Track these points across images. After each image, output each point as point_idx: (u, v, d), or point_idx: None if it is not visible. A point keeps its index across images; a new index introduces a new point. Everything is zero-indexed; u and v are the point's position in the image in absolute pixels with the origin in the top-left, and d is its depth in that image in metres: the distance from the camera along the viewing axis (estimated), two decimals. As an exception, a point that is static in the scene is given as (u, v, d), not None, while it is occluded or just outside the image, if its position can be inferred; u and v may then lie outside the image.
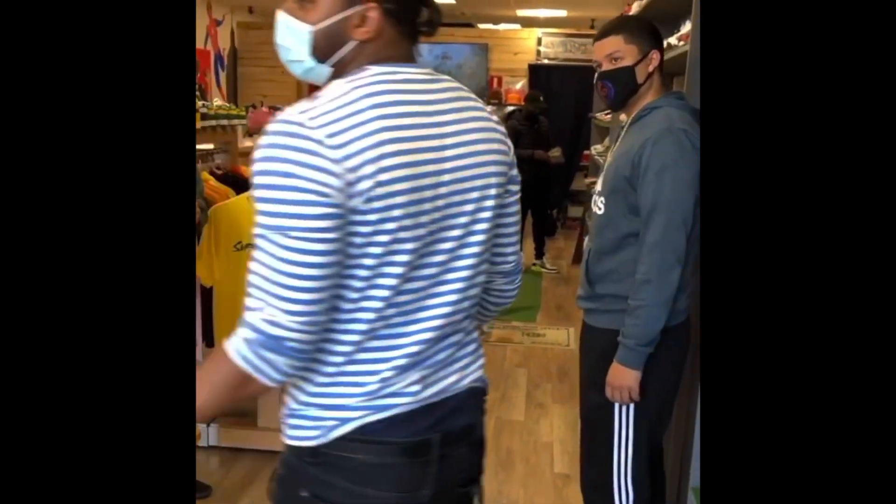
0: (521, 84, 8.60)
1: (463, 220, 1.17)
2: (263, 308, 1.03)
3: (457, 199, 1.15)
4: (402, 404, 1.14)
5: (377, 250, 1.07)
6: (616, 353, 1.84)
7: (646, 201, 1.83)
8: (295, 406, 1.15)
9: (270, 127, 1.05)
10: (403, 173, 1.06)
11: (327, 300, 1.06)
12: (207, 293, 3.16)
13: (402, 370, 1.13)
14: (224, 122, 3.56)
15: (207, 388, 1.08)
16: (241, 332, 1.05)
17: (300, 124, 1.03)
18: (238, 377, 1.05)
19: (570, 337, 4.91)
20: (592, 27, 8.26)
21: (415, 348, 1.14)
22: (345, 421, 1.12)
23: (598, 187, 2.03)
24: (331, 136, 1.02)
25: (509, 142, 1.28)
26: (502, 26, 8.97)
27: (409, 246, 1.09)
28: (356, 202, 1.03)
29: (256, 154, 1.04)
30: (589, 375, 1.98)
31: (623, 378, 1.83)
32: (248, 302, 1.05)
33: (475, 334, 1.28)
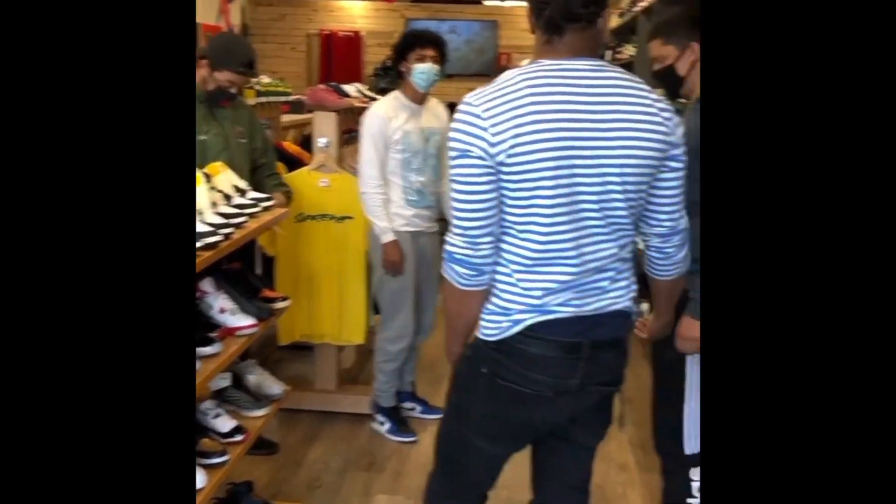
0: (528, 61, 8.69)
1: (605, 184, 1.47)
2: (450, 235, 1.52)
3: (598, 165, 1.46)
4: (560, 312, 1.52)
5: (524, 194, 1.45)
6: (686, 309, 2.01)
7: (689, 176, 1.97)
8: (486, 310, 1.56)
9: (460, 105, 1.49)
10: (541, 136, 1.41)
11: (486, 227, 1.48)
12: (269, 262, 3.31)
13: (558, 291, 1.50)
14: (273, 98, 3.69)
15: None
16: None
17: (469, 103, 1.47)
18: (447, 286, 1.57)
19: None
20: (599, 4, 8.38)
21: (566, 277, 1.50)
22: (517, 322, 1.52)
23: None
24: (486, 109, 1.44)
25: (673, 124, 1.55)
26: (509, 3, 9.05)
27: (549, 193, 1.44)
28: (501, 157, 1.42)
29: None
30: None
31: (695, 331, 1.99)
32: None
33: (627, 273, 1.59)
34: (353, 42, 8.59)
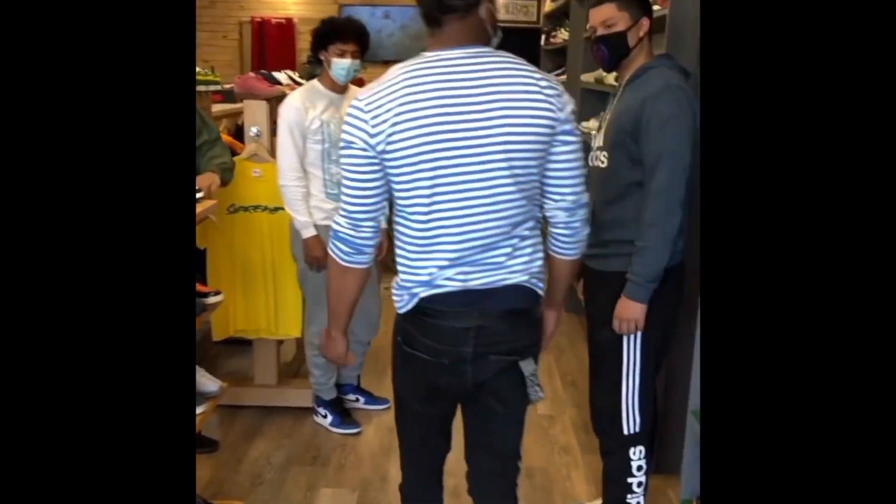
0: (514, 57, 8.65)
1: (488, 165, 1.56)
2: (337, 215, 1.66)
3: (478, 146, 1.54)
4: (448, 286, 1.63)
5: (406, 178, 1.57)
6: (624, 290, 2.04)
7: (650, 152, 2.02)
8: (394, 287, 1.70)
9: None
10: (416, 124, 1.52)
11: (368, 211, 1.62)
12: (200, 256, 3.22)
13: (446, 267, 1.62)
14: (203, 88, 3.58)
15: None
16: None
17: (356, 99, 1.59)
18: (330, 263, 1.71)
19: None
20: (533, -11, 8.39)
21: (452, 255, 1.61)
22: (414, 296, 1.66)
23: (600, 143, 2.20)
24: (368, 104, 1.56)
25: (560, 102, 1.60)
26: (443, -12, 8.98)
27: (428, 176, 1.55)
28: (381, 146, 1.55)
29: None
30: (600, 315, 2.17)
31: (631, 311, 2.04)
32: None
33: (528, 250, 1.67)
34: (285, 29, 8.43)
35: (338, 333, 1.81)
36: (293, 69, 7.73)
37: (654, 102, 2.01)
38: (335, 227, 1.66)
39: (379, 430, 3.22)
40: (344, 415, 3.26)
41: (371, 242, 1.66)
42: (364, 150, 1.57)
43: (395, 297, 1.71)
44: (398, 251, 1.68)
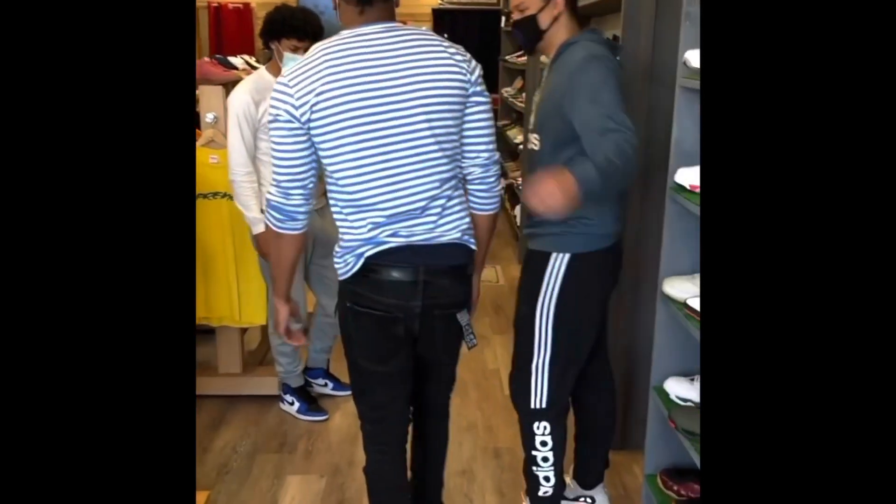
0: (424, 29, 8.63)
1: (412, 129, 1.68)
2: (270, 185, 1.76)
3: (402, 112, 1.67)
4: (392, 242, 1.74)
5: (331, 145, 1.67)
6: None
7: (587, 124, 1.88)
8: (336, 254, 1.80)
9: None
10: (338, 93, 1.63)
11: (296, 180, 1.73)
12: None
13: (383, 225, 1.73)
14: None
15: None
16: None
17: (281, 76, 1.71)
18: (267, 230, 1.88)
19: (498, 274, 5.14)
20: (492, -29, 8.37)
21: (387, 213, 1.72)
22: (360, 256, 1.76)
23: (531, 125, 2.18)
24: (291, 79, 1.68)
25: (470, 66, 1.76)
26: (402, -29, 8.91)
27: (353, 142, 1.66)
28: (306, 116, 1.66)
29: None
30: (523, 289, 2.19)
31: (552, 190, 1.72)
32: None
33: (458, 206, 1.81)
34: (243, 14, 8.28)
35: (279, 300, 1.94)
36: (251, 55, 7.62)
37: (581, 74, 1.93)
38: (268, 196, 1.77)
39: (346, 416, 3.20)
40: (311, 402, 3.24)
41: (302, 209, 1.77)
42: (289, 121, 1.67)
43: (337, 264, 1.80)
44: (335, 216, 1.79)
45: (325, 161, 1.72)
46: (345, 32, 1.72)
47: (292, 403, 3.22)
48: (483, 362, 3.76)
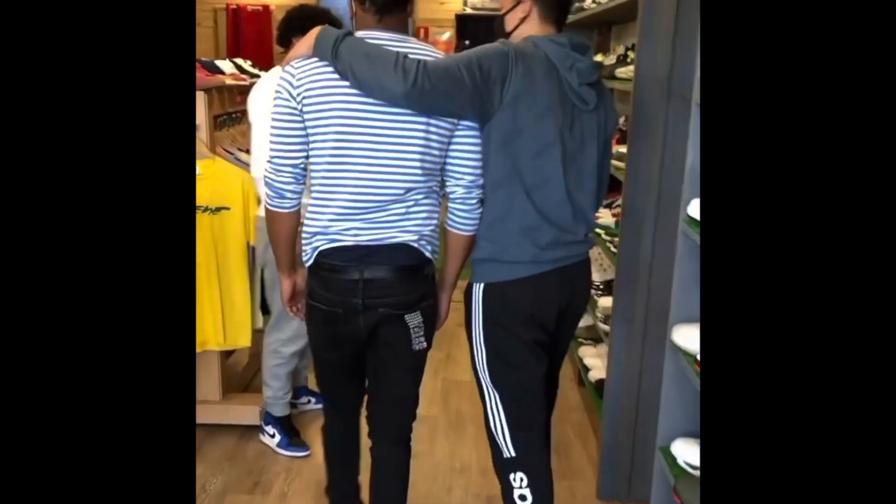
0: (447, 35, 8.41)
1: (403, 140, 1.75)
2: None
3: (395, 115, 1.73)
4: (342, 240, 1.81)
5: (317, 131, 1.76)
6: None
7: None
8: (303, 242, 1.89)
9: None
10: (329, 84, 1.73)
11: (287, 158, 1.81)
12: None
13: (340, 218, 1.80)
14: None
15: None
16: None
17: (290, 65, 1.80)
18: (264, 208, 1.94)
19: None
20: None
21: (346, 204, 1.79)
22: (315, 248, 1.85)
23: None
24: (298, 65, 1.78)
25: None
26: (426, -25, 8.71)
27: (333, 132, 1.74)
28: (300, 97, 1.75)
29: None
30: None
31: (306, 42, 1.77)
32: None
33: (423, 214, 1.84)
34: (262, 17, 8.12)
35: (283, 274, 2.05)
36: (270, 57, 7.44)
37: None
38: (264, 172, 1.87)
39: (330, 451, 2.95)
40: (292, 435, 3.00)
41: (291, 188, 1.85)
42: (287, 100, 1.77)
43: (304, 253, 1.91)
44: (308, 203, 1.88)
45: (311, 146, 1.80)
46: (359, 33, 1.78)
47: (273, 436, 2.99)
48: (485, 394, 3.50)
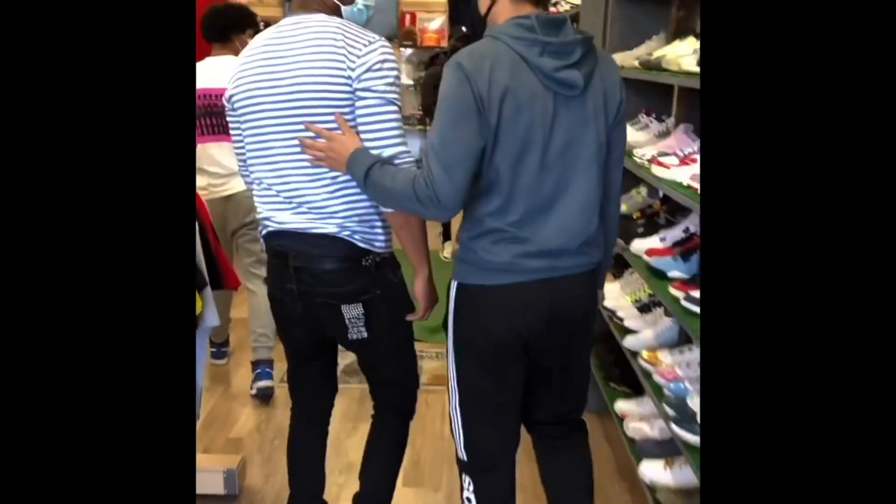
0: (439, 22, 7.77)
1: (284, 119, 1.78)
2: None
3: (278, 106, 1.78)
4: (273, 226, 1.88)
5: (238, 130, 1.91)
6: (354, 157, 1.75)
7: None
8: None
9: None
10: (243, 83, 1.83)
11: (237, 152, 2.00)
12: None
13: (269, 206, 1.88)
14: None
15: None
16: None
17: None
18: None
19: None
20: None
21: (273, 200, 1.87)
22: (260, 234, 1.95)
23: None
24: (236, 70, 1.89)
25: (360, 59, 1.72)
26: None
27: (247, 128, 1.86)
28: (228, 94, 1.88)
29: None
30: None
31: (334, 149, 1.75)
32: None
33: (340, 205, 1.81)
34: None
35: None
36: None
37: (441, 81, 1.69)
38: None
39: None
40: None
41: (245, 178, 1.98)
42: (226, 101, 1.89)
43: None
44: None
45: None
46: (282, 21, 1.85)
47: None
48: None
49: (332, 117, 1.73)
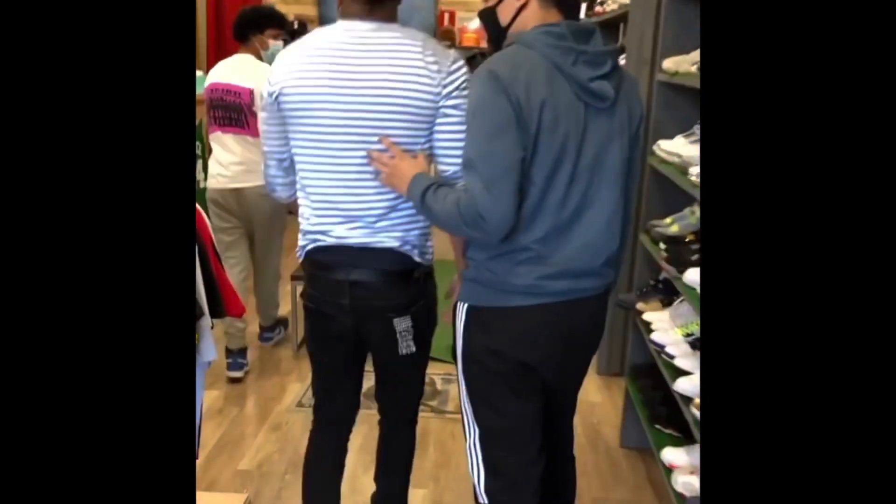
0: (479, 22, 7.50)
1: (352, 130, 1.72)
2: None
3: (349, 115, 1.71)
4: (324, 240, 1.83)
5: (292, 130, 1.80)
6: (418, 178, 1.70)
7: (464, 145, 1.68)
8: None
9: None
10: (305, 82, 1.73)
11: (271, 151, 1.90)
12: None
13: (323, 218, 1.82)
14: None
15: None
16: None
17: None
18: None
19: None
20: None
21: (324, 206, 1.80)
22: (303, 248, 1.89)
23: None
24: (281, 57, 1.81)
25: (446, 77, 1.70)
26: (452, -48, 7.80)
27: (306, 130, 1.76)
28: (276, 94, 1.78)
29: None
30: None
31: (399, 174, 1.71)
32: None
33: (399, 218, 1.79)
34: (246, 5, 7.16)
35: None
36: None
37: (470, 87, 1.68)
38: None
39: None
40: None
41: (277, 181, 1.93)
42: (267, 95, 1.80)
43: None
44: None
45: (292, 142, 1.82)
46: (340, 23, 1.76)
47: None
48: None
49: (408, 132, 1.70)
